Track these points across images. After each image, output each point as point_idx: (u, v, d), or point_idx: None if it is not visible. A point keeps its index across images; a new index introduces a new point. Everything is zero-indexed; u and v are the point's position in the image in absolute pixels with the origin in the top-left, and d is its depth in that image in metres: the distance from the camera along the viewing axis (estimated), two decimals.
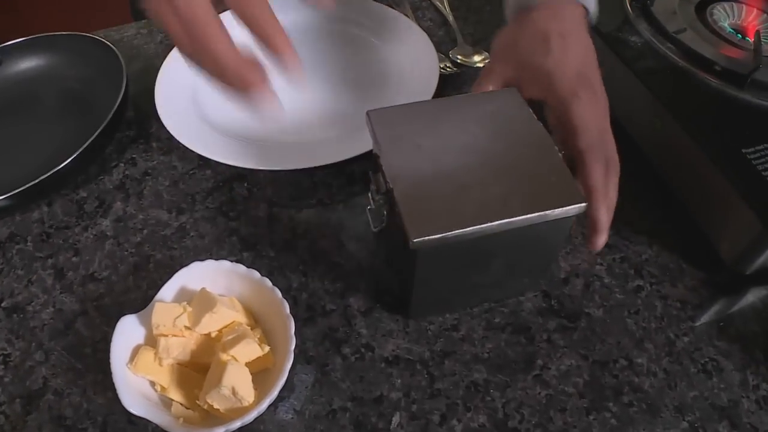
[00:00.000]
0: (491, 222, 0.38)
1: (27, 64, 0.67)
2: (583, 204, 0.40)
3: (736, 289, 0.52)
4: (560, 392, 0.45)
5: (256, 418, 0.41)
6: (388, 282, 0.50)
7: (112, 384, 0.40)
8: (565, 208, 0.40)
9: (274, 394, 0.40)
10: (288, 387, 0.44)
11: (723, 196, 0.50)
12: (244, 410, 0.40)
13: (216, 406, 0.40)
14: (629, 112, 0.59)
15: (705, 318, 0.50)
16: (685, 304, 0.50)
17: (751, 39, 0.59)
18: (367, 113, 0.44)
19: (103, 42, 0.64)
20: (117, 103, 0.57)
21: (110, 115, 0.56)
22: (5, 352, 0.48)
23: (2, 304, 0.51)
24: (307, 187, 0.56)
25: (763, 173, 0.48)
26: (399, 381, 0.45)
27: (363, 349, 0.46)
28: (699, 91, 0.55)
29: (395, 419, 0.43)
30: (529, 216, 0.39)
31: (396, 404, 0.44)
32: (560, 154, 0.43)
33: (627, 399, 0.45)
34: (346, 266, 0.51)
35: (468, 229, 0.38)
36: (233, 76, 0.39)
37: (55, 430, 0.43)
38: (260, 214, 0.54)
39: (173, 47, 0.67)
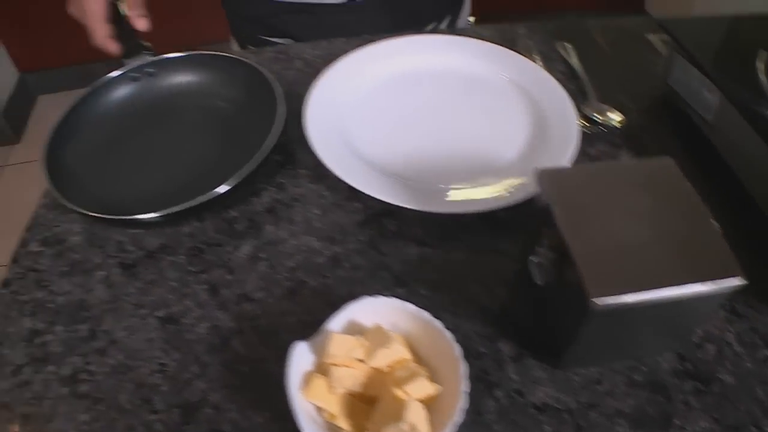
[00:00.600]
0: (665, 289, 0.41)
1: (179, 78, 0.70)
2: (741, 280, 0.43)
3: None
4: None
5: None
6: (540, 332, 0.53)
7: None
8: (725, 283, 0.43)
9: None
10: None
11: None
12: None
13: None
14: (758, 177, 0.62)
15: None
16: None
17: None
18: (538, 171, 0.47)
19: (254, 66, 0.67)
20: (277, 128, 0.60)
21: (272, 142, 0.59)
22: (161, 362, 0.51)
23: (157, 314, 0.54)
24: (455, 230, 0.59)
25: None
26: (548, 428, 0.48)
27: (514, 394, 0.49)
28: None
29: None
30: (697, 286, 0.42)
31: None
32: (718, 226, 0.45)
33: None
34: (495, 311, 0.54)
35: (644, 295, 0.41)
36: None
37: None
38: (410, 251, 0.57)
39: (317, 74, 0.70)
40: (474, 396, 0.49)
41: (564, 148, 0.62)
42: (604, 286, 0.41)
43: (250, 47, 0.94)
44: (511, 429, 0.48)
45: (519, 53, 0.75)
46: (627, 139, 0.69)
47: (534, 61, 0.75)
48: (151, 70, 0.70)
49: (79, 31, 0.69)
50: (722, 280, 0.43)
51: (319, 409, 0.46)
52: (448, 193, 0.59)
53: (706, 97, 0.65)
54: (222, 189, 0.56)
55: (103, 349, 0.51)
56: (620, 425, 0.48)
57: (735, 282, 0.43)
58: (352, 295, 0.50)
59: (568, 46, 0.79)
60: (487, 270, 0.56)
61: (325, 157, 0.60)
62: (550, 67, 0.76)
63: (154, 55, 0.71)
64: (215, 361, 0.51)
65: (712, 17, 0.72)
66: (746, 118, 0.61)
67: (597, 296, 0.41)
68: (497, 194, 0.58)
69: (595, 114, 0.70)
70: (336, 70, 0.71)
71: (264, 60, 0.77)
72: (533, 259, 0.49)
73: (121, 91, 0.70)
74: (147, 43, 0.71)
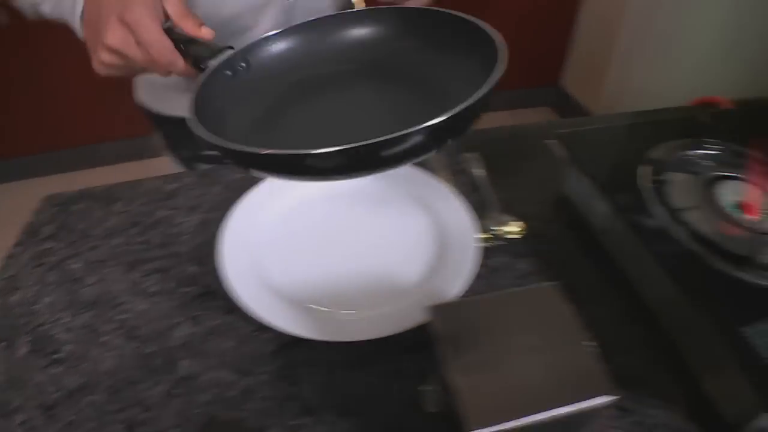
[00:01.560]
0: (538, 414, 0.45)
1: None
2: (614, 397, 0.46)
3: None
4: None
5: None
6: None
7: None
8: (595, 401, 0.46)
9: None
10: None
11: (725, 372, 0.55)
12: None
13: None
14: (643, 282, 0.66)
15: None
16: None
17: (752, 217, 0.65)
18: (430, 307, 0.51)
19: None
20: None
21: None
22: None
23: None
24: (364, 354, 0.62)
25: (759, 352, 0.53)
26: None
27: None
28: (705, 269, 0.61)
29: None
30: (568, 408, 0.45)
31: None
32: (593, 347, 0.49)
33: None
34: None
35: (518, 422, 0.44)
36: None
37: None
38: (318, 379, 0.59)
39: (234, 201, 0.73)
40: None
41: (463, 266, 0.66)
42: (482, 417, 0.44)
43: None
44: None
45: (423, 169, 0.79)
46: (527, 248, 0.73)
47: (440, 175, 0.79)
48: (242, 64, 0.64)
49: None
50: (591, 399, 0.46)
51: None
52: (353, 320, 0.62)
53: (597, 205, 0.70)
54: (438, 119, 0.46)
55: None
56: None
57: (602, 400, 0.46)
58: (262, 427, 0.52)
59: (474, 156, 0.84)
60: (391, 392, 0.59)
61: (236, 288, 0.63)
62: (455, 179, 0.80)
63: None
64: None
65: (605, 126, 0.78)
66: (631, 225, 0.66)
67: (475, 428, 0.44)
68: (400, 317, 0.61)
69: (496, 226, 0.74)
70: (249, 199, 0.74)
71: (186, 186, 0.80)
72: (424, 388, 0.51)
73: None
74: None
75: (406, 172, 0.79)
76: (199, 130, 0.50)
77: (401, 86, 0.62)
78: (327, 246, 0.71)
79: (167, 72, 0.64)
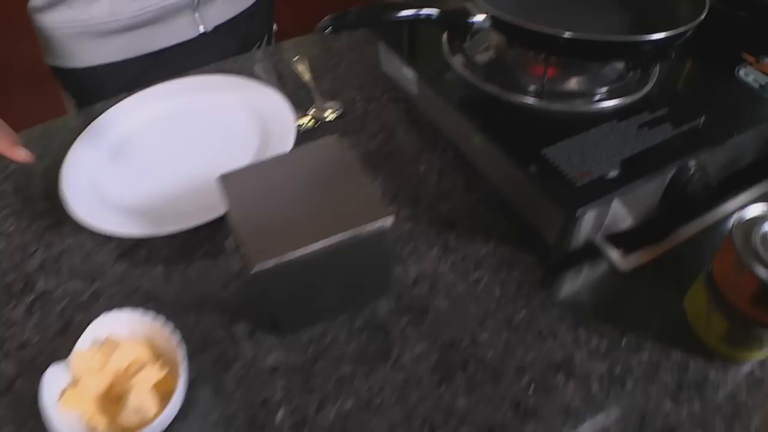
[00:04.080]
0: (315, 242, 0.50)
1: None
2: (389, 217, 0.51)
3: (563, 266, 0.62)
4: (413, 373, 0.55)
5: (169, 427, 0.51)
6: (261, 308, 0.60)
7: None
8: (370, 224, 0.51)
9: (173, 404, 0.50)
10: (191, 404, 0.53)
11: (535, 194, 0.61)
12: (148, 422, 0.50)
13: (126, 425, 0.50)
14: (457, 133, 0.71)
15: (539, 293, 0.60)
16: (521, 285, 0.61)
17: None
18: (219, 178, 0.56)
19: None
20: None
21: None
22: None
23: None
24: (194, 245, 0.67)
25: (559, 168, 0.59)
26: (281, 383, 0.55)
27: (249, 364, 0.56)
28: (507, 107, 0.67)
29: (280, 414, 0.53)
30: (345, 234, 0.50)
31: (279, 403, 0.54)
32: (372, 182, 0.54)
33: (473, 369, 0.55)
34: (231, 301, 0.61)
35: (299, 251, 0.49)
36: None
37: None
38: (157, 271, 0.65)
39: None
40: (215, 375, 0.56)
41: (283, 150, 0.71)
42: (263, 253, 0.49)
43: None
44: (247, 391, 0.55)
45: (252, 77, 0.85)
46: (350, 125, 0.79)
47: (268, 79, 0.85)
48: None
49: None
50: (365, 225, 0.51)
51: (81, 417, 0.52)
52: (181, 213, 0.68)
53: (407, 75, 0.75)
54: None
55: None
56: (344, 367, 0.56)
57: (381, 223, 0.51)
58: None
59: (302, 58, 0.90)
60: (219, 272, 0.65)
61: (76, 209, 0.68)
62: (283, 82, 0.86)
63: None
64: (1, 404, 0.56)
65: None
66: (435, 88, 0.71)
67: (258, 262, 0.49)
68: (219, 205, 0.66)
69: (314, 113, 0.80)
70: (90, 129, 0.80)
71: (32, 138, 0.84)
72: (226, 248, 0.57)
73: None
74: None
75: (233, 80, 0.85)
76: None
77: None
78: (159, 157, 0.77)
79: None
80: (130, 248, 0.67)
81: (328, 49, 0.95)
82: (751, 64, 0.73)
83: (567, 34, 0.60)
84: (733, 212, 0.67)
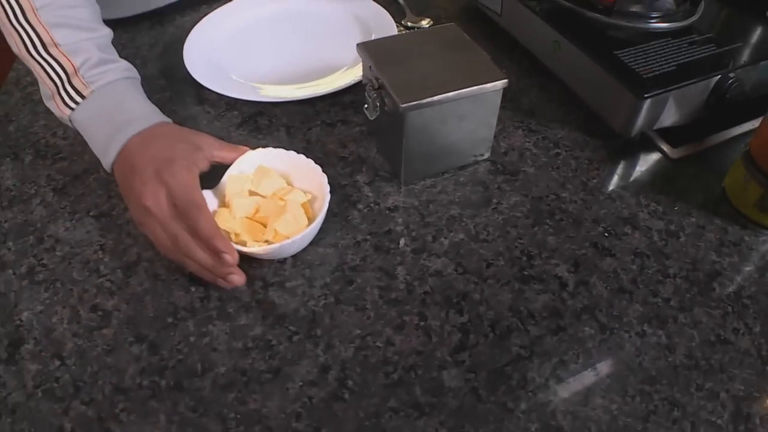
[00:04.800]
0: (451, 93, 0.60)
1: None
2: (504, 80, 0.62)
3: (627, 150, 0.73)
4: (511, 216, 0.65)
5: (306, 250, 0.60)
6: (385, 160, 0.70)
7: None
8: (490, 84, 0.62)
9: (322, 216, 0.59)
10: (323, 231, 0.62)
11: (607, 85, 0.71)
12: (301, 229, 0.59)
13: (281, 231, 0.59)
14: (535, 42, 0.82)
15: (608, 167, 0.71)
16: (591, 161, 0.72)
17: None
18: (359, 44, 0.66)
19: None
20: None
21: None
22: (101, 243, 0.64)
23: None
24: (315, 113, 0.77)
25: (629, 65, 0.70)
26: (400, 219, 0.64)
27: (372, 204, 0.66)
28: (584, 19, 0.78)
29: (402, 241, 0.62)
30: (472, 88, 0.61)
31: (400, 233, 0.63)
32: (486, 55, 0.64)
33: (558, 217, 0.65)
34: (350, 158, 0.71)
35: (437, 97, 0.60)
36: (211, 274, 0.58)
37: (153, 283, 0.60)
38: (281, 134, 0.74)
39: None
40: (341, 210, 0.65)
41: None
42: (410, 96, 0.59)
43: None
44: (372, 224, 0.64)
45: None
46: None
47: None
48: None
49: None
50: (487, 84, 0.62)
51: (228, 234, 0.60)
52: (300, 89, 0.77)
53: None
54: None
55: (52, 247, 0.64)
56: (453, 209, 0.65)
57: (499, 84, 0.62)
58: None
59: None
60: (343, 134, 0.74)
61: (201, 79, 0.77)
62: None
63: None
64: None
65: None
66: (524, 2, 0.82)
67: (405, 102, 0.59)
68: (338, 80, 0.77)
69: (409, 23, 0.92)
70: (205, 22, 0.89)
71: (140, 30, 0.92)
72: (366, 99, 0.66)
73: None
74: None
75: None
76: None
77: None
78: (274, 46, 0.88)
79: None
80: (251, 116, 0.76)
81: None
82: None
83: None
84: None
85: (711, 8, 0.83)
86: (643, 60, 0.71)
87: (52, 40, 0.64)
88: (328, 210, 0.60)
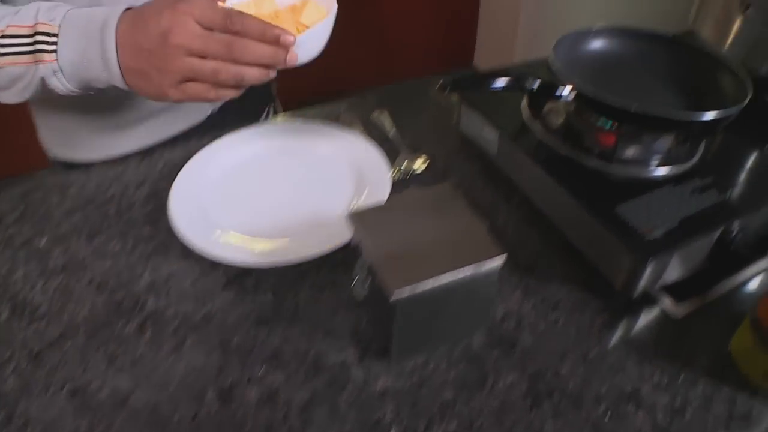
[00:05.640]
0: (444, 275, 0.57)
1: None
2: (502, 256, 0.58)
3: (629, 310, 0.70)
4: (507, 399, 0.61)
5: None
6: (375, 336, 0.67)
7: None
8: (488, 262, 0.58)
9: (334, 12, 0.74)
10: (308, 422, 0.59)
11: (608, 244, 0.69)
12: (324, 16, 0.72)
13: (305, 22, 0.75)
14: (533, 189, 0.79)
15: (609, 333, 0.68)
16: (592, 326, 0.68)
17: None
18: (348, 215, 0.63)
19: None
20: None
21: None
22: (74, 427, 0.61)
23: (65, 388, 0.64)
24: (302, 273, 0.73)
25: (630, 223, 0.67)
26: (390, 407, 0.61)
27: (360, 387, 0.62)
28: (582, 168, 0.75)
29: None
30: (468, 268, 0.57)
31: (390, 424, 0.59)
32: (484, 225, 0.61)
33: (557, 398, 0.62)
34: (340, 330, 0.68)
35: (430, 282, 0.56)
36: (268, 67, 0.67)
37: None
38: (268, 298, 0.71)
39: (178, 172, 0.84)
40: (327, 396, 0.61)
41: (379, 198, 0.79)
42: (401, 282, 0.56)
43: None
44: (360, 412, 0.60)
45: (341, 126, 0.93)
46: (434, 179, 0.87)
47: (356, 129, 0.92)
48: None
49: None
50: (484, 262, 0.58)
51: None
52: (289, 247, 0.74)
53: (488, 135, 0.84)
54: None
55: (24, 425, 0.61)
56: (447, 392, 0.62)
57: (496, 262, 0.59)
58: (226, 339, 0.63)
59: (383, 111, 0.98)
60: (332, 300, 0.71)
61: (186, 235, 0.74)
62: (368, 133, 0.93)
63: None
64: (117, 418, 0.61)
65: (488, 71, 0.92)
66: (519, 148, 0.80)
67: (396, 289, 0.55)
68: (328, 239, 0.73)
69: (405, 164, 0.88)
70: (193, 162, 0.86)
71: (130, 165, 0.90)
72: (353, 277, 0.63)
73: None
74: None
75: (327, 129, 0.92)
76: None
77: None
78: (263, 192, 0.84)
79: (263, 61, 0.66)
80: (239, 274, 0.73)
81: (408, 103, 1.04)
82: None
83: (635, 108, 0.70)
84: None
85: (711, 146, 0.81)
86: (645, 215, 0.69)
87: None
88: (311, 396, 0.57)
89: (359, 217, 0.63)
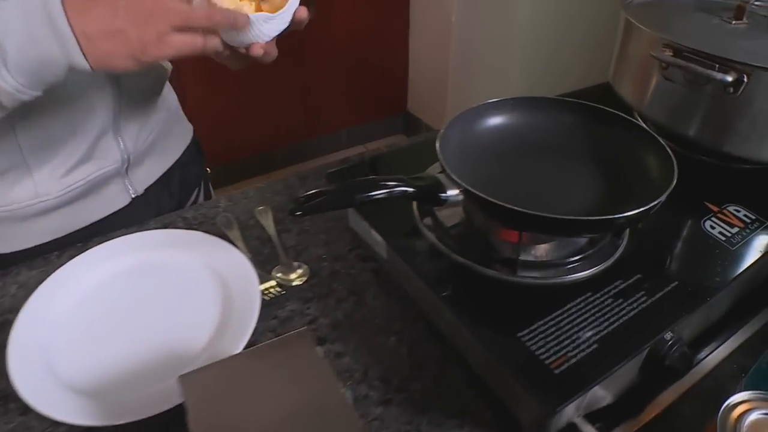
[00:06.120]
0: None
1: None
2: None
3: None
4: None
5: None
6: None
7: None
8: None
9: None
10: None
11: (510, 383, 0.58)
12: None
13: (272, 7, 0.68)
14: (426, 304, 0.70)
15: None
16: None
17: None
18: (179, 378, 0.52)
19: None
20: None
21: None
22: None
23: None
24: (155, 426, 0.62)
25: (537, 353, 0.57)
26: None
27: None
28: (476, 278, 0.66)
29: None
30: None
31: None
32: (343, 391, 0.50)
33: None
34: None
35: None
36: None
37: None
38: None
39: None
40: None
41: (247, 325, 0.68)
42: None
43: None
44: None
45: (211, 233, 0.81)
46: (317, 289, 0.76)
47: (231, 234, 0.82)
48: None
49: None
50: None
51: None
52: (140, 398, 0.63)
53: (376, 238, 0.74)
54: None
55: None
56: None
57: None
58: None
59: (264, 209, 0.88)
60: None
61: (24, 390, 0.62)
62: (247, 236, 0.83)
63: None
64: None
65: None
66: (404, 258, 0.70)
67: None
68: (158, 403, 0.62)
69: (285, 276, 0.77)
70: (38, 295, 0.74)
71: None
72: None
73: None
74: None
75: (195, 237, 0.81)
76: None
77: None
78: (114, 329, 0.71)
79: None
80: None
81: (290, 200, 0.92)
82: (715, 214, 0.73)
83: (534, 213, 0.60)
84: (711, 370, 0.67)
85: (637, 233, 0.71)
86: (555, 340, 0.59)
87: None
88: None
89: (191, 381, 0.52)
